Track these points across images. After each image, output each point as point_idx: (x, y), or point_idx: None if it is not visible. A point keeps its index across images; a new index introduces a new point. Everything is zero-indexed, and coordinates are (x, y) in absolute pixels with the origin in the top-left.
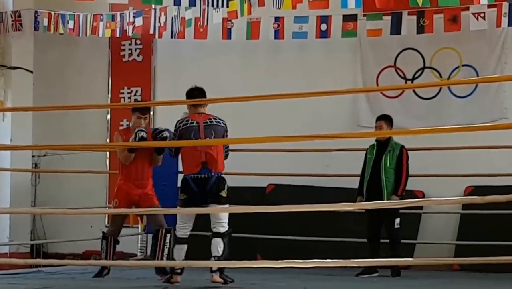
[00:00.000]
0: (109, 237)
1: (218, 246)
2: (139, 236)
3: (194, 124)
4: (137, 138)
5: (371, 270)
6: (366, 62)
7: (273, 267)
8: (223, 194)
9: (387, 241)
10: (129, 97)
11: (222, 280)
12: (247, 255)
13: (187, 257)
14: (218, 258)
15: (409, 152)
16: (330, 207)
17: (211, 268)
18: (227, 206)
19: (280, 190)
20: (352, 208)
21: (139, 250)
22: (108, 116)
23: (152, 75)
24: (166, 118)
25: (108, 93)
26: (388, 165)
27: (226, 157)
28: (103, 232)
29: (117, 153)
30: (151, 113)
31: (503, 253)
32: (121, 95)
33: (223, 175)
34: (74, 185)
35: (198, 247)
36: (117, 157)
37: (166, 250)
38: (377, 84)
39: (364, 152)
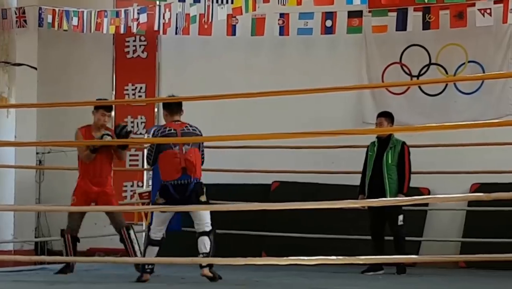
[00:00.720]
0: (67, 235)
1: (205, 243)
2: (144, 233)
3: (172, 131)
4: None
5: (377, 268)
6: (372, 59)
7: (278, 265)
8: (203, 198)
9: (391, 238)
10: (134, 94)
11: (212, 275)
12: (252, 252)
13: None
14: (207, 255)
15: (415, 148)
16: (335, 204)
17: (200, 264)
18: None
19: (285, 187)
20: (357, 205)
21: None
22: (113, 113)
23: (156, 71)
24: None
25: (113, 90)
26: (390, 162)
27: (202, 163)
28: (61, 230)
29: (78, 151)
30: (156, 110)
31: (509, 250)
32: (125, 92)
33: (201, 181)
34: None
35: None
36: (77, 155)
37: (136, 246)
38: (383, 81)
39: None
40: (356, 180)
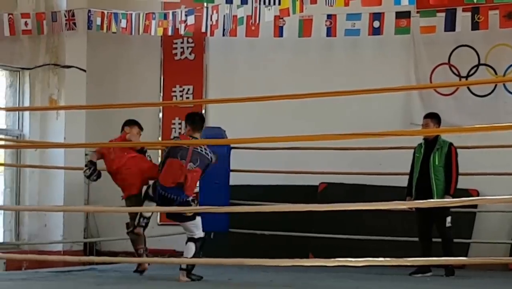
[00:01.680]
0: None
1: (190, 249)
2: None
3: (186, 146)
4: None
5: (425, 270)
6: (420, 60)
7: (325, 266)
8: (187, 214)
9: (439, 240)
10: (181, 96)
11: (189, 280)
12: (299, 254)
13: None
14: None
15: (463, 150)
16: (382, 206)
17: (180, 266)
18: (196, 219)
19: (332, 188)
20: (405, 206)
21: None
22: (160, 115)
23: (204, 73)
24: (216, 116)
25: (160, 92)
26: (437, 163)
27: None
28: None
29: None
30: (203, 112)
31: None
32: (173, 94)
33: (189, 199)
34: None
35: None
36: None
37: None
38: (431, 82)
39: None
40: (403, 181)
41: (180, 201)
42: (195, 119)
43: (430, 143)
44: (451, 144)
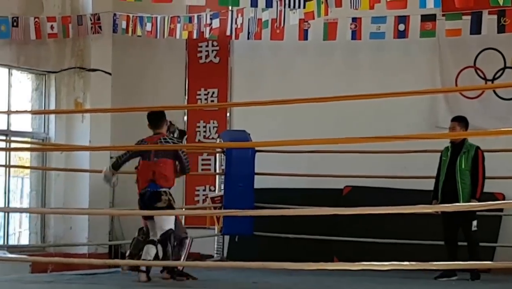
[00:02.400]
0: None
1: (148, 251)
2: (216, 237)
3: (144, 143)
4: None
5: (450, 273)
6: (445, 63)
7: (350, 270)
8: (160, 204)
9: (465, 243)
10: (206, 99)
11: (169, 276)
12: (324, 257)
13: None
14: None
15: (489, 153)
16: (407, 209)
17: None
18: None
19: (356, 191)
20: (430, 210)
21: (215, 251)
22: (185, 118)
23: (228, 76)
24: (241, 119)
25: (185, 95)
26: (463, 167)
27: (186, 170)
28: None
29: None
30: (228, 115)
31: None
32: (198, 97)
33: (165, 189)
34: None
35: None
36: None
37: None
38: (456, 85)
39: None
40: (428, 185)
41: (151, 192)
42: (150, 118)
43: (457, 146)
44: (478, 148)
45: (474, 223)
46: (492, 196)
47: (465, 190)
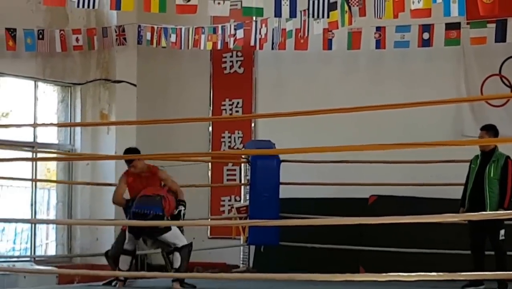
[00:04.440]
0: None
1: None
2: (241, 248)
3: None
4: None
5: (477, 283)
6: (470, 71)
7: (376, 281)
8: (160, 227)
9: (492, 253)
10: (231, 109)
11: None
12: (350, 267)
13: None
14: (176, 270)
15: None
16: (433, 218)
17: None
18: (172, 229)
19: (382, 200)
20: (456, 219)
21: (241, 262)
22: (210, 128)
23: (253, 87)
24: (266, 130)
25: (210, 106)
26: (492, 175)
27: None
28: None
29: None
30: (252, 125)
31: None
32: (222, 108)
33: (161, 214)
34: None
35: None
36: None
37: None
38: (482, 93)
39: (469, 163)
40: (455, 194)
41: (153, 215)
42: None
43: (487, 155)
44: (508, 157)
45: (502, 232)
46: None
47: (493, 199)
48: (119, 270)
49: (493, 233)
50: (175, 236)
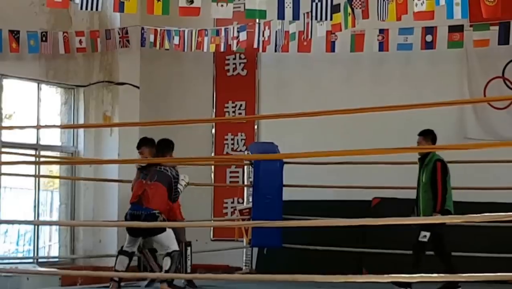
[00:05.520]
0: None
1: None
2: (244, 250)
3: (152, 168)
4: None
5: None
6: (473, 73)
7: (379, 282)
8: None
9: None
10: (234, 111)
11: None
12: (353, 269)
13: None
14: (166, 272)
15: None
16: (435, 220)
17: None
18: (167, 231)
19: (385, 203)
20: (460, 220)
21: (244, 264)
22: (213, 130)
23: (256, 89)
24: (269, 132)
25: (213, 108)
26: (423, 180)
27: (172, 200)
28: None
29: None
30: (256, 127)
31: None
32: (225, 110)
33: (156, 213)
34: (180, 198)
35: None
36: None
37: (188, 262)
38: (485, 96)
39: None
40: (458, 196)
41: (146, 214)
42: (158, 144)
43: (422, 160)
44: (437, 160)
45: (424, 233)
46: None
47: (425, 203)
48: (115, 270)
49: (418, 233)
50: (168, 238)
